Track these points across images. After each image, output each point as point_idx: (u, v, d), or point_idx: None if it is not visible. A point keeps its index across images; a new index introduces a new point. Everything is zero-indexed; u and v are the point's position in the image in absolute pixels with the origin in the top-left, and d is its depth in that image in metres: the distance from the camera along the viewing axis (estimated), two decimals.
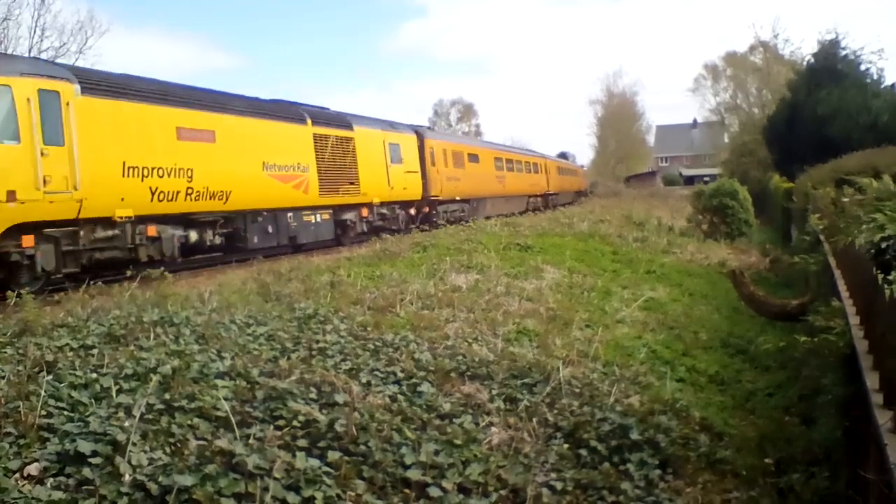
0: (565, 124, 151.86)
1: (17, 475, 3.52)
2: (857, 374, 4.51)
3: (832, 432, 5.08)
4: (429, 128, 26.10)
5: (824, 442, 5.07)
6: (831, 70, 28.58)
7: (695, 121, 78.03)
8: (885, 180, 8.44)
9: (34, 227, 9.99)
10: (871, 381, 4.03)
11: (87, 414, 4.14)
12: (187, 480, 3.42)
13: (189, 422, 4.18)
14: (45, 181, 9.91)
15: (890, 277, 4.78)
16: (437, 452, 4.30)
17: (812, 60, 31.18)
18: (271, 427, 4.30)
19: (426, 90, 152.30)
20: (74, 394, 4.44)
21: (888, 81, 29.37)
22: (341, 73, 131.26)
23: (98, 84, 11.33)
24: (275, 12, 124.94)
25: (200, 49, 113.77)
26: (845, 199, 8.82)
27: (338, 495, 3.71)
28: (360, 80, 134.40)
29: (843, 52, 29.47)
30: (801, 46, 41.64)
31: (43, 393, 4.27)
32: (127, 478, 3.48)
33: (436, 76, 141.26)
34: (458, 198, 25.23)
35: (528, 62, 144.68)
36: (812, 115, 27.01)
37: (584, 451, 4.85)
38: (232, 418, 4.23)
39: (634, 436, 5.00)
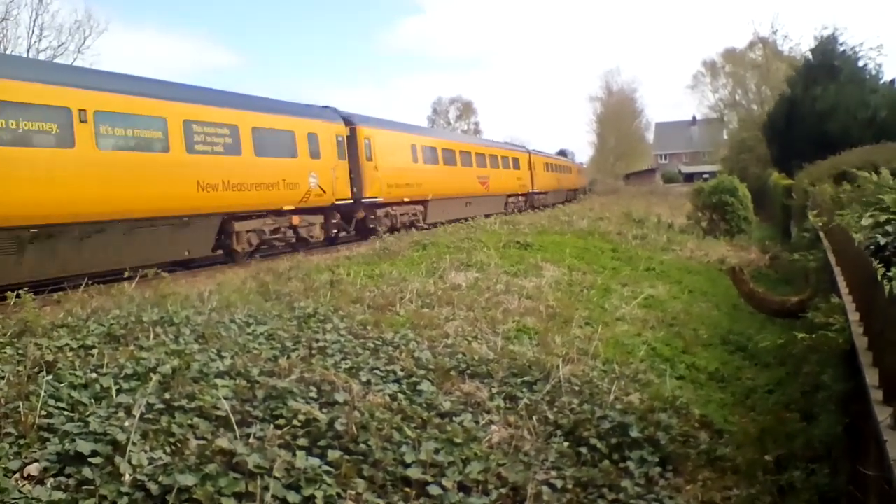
0: (566, 121, 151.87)
1: (18, 475, 3.52)
2: (857, 370, 4.50)
3: (832, 429, 5.07)
4: None
5: (824, 438, 5.06)
6: (829, 66, 28.53)
7: (694, 118, 78.17)
8: (883, 174, 8.46)
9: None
10: (871, 377, 4.03)
11: (87, 414, 4.15)
12: (187, 480, 3.43)
13: (189, 421, 4.18)
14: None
15: (890, 274, 4.78)
16: (437, 451, 4.31)
17: (810, 57, 31.13)
18: (271, 426, 4.31)
19: (425, 87, 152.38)
20: (74, 394, 4.44)
21: (887, 77, 29.37)
22: (340, 70, 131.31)
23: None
24: (272, 10, 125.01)
25: (198, 47, 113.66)
26: (843, 195, 8.83)
27: (338, 494, 3.72)
28: (360, 77, 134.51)
29: (841, 48, 29.41)
30: (801, 43, 41.71)
31: (43, 393, 4.27)
32: (127, 478, 3.48)
33: (434, 73, 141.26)
34: None
35: (527, 60, 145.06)
36: (810, 111, 26.99)
37: (584, 449, 4.85)
38: (232, 418, 4.23)
39: (634, 433, 5.00)
